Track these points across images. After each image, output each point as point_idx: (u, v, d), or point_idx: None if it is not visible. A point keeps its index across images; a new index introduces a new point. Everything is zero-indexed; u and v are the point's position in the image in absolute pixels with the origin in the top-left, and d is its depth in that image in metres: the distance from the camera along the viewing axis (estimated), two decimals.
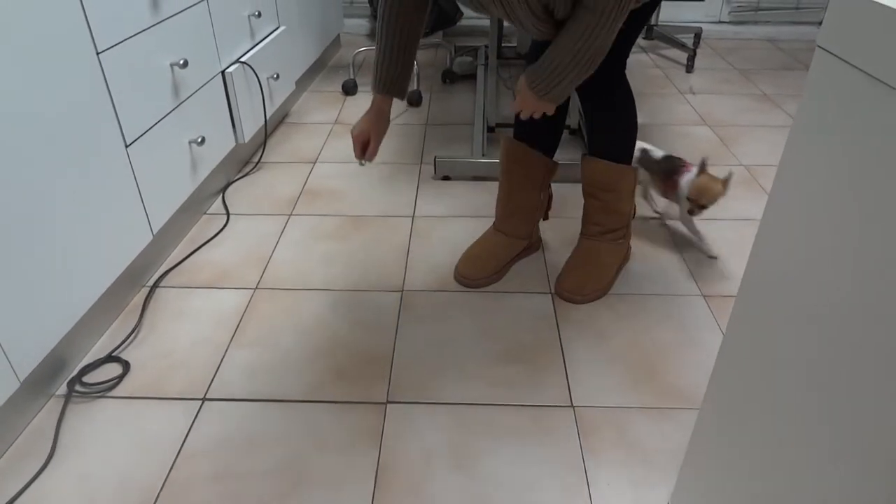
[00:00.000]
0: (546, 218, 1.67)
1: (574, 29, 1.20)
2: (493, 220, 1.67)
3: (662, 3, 3.46)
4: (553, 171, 1.58)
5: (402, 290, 1.59)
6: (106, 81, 1.33)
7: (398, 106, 2.68)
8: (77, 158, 1.26)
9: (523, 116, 1.32)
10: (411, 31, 1.34)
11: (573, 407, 1.27)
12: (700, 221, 1.83)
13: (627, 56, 1.42)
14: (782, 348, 0.71)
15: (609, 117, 1.48)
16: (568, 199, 1.95)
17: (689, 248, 1.75)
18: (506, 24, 3.25)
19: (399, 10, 1.31)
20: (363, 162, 1.45)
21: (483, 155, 2.15)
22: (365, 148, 1.43)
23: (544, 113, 1.31)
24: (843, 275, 0.60)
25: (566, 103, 1.49)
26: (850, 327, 0.59)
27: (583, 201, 1.59)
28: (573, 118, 2.28)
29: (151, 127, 1.51)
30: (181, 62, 1.59)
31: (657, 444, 1.19)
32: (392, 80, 1.37)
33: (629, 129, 1.50)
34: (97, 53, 1.30)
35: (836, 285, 0.61)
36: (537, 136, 1.54)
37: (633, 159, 1.54)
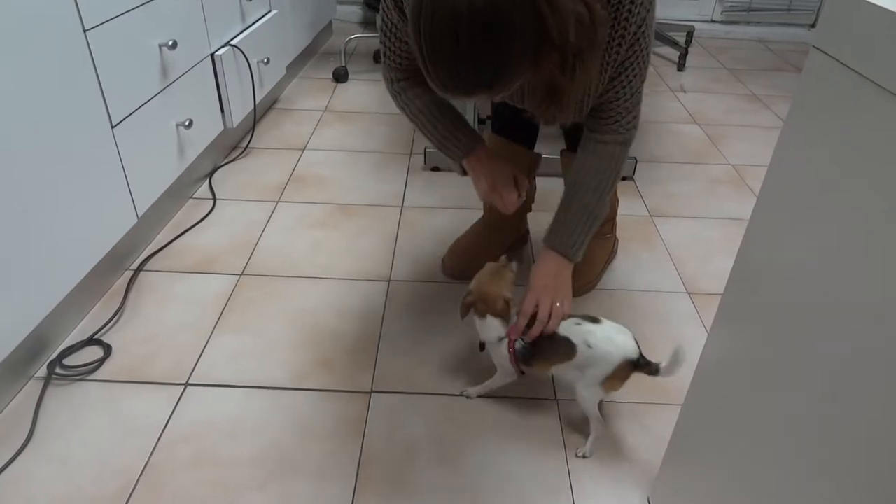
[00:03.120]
0: (529, 210, 1.67)
1: (598, 167, 1.18)
2: (482, 212, 1.67)
3: (656, 0, 3.45)
4: (536, 162, 1.58)
5: (389, 280, 1.58)
6: (93, 60, 1.31)
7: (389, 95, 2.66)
8: (62, 138, 1.24)
9: (546, 324, 1.13)
10: (442, 101, 1.25)
11: (557, 401, 1.28)
12: (693, 219, 1.84)
13: None
14: (766, 348, 0.72)
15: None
16: (556, 193, 1.95)
17: (678, 245, 1.76)
18: None
19: (422, 91, 1.22)
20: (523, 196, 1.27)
21: None
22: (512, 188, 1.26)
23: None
24: (830, 275, 0.60)
25: None
26: (837, 328, 0.60)
27: None
28: None
29: (138, 108, 1.49)
30: (170, 43, 1.57)
31: (639, 439, 1.20)
32: (468, 131, 1.25)
33: None
34: (84, 31, 1.27)
35: (823, 286, 0.62)
36: (517, 129, 1.53)
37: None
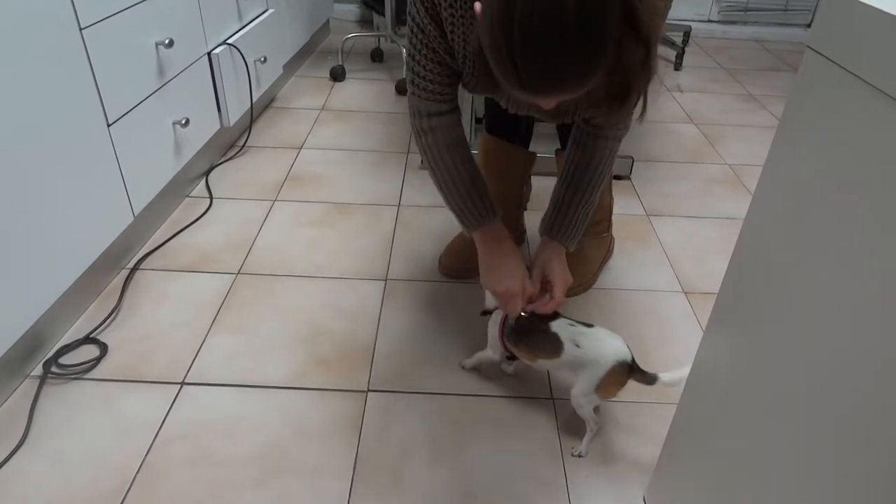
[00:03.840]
0: (525, 209, 1.67)
1: (597, 162, 1.19)
2: None
3: None
4: (532, 161, 1.58)
5: (386, 279, 1.58)
6: (89, 58, 1.30)
7: (386, 93, 2.66)
8: (58, 136, 1.24)
9: (560, 303, 1.17)
10: (467, 151, 1.21)
11: (553, 399, 1.28)
12: (689, 218, 1.85)
13: None
14: (762, 347, 0.72)
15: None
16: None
17: (674, 244, 1.76)
18: None
19: (450, 139, 1.19)
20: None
21: (470, 146, 2.14)
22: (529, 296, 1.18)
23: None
24: (825, 275, 0.61)
25: None
26: (832, 327, 0.60)
27: None
28: None
29: (135, 106, 1.48)
30: (167, 41, 1.56)
31: (635, 438, 1.21)
32: (486, 201, 1.21)
33: None
34: (80, 29, 1.27)
35: (818, 285, 0.62)
36: (511, 128, 1.53)
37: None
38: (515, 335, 1.18)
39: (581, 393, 1.12)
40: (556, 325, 1.14)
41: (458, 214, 1.23)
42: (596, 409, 1.16)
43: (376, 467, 1.13)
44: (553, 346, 1.12)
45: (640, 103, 0.96)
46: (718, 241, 1.78)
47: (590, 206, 1.24)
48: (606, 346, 1.10)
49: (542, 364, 1.17)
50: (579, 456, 1.16)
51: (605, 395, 1.12)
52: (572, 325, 1.14)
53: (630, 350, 1.11)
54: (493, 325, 1.22)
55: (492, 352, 1.26)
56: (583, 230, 1.25)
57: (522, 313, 1.18)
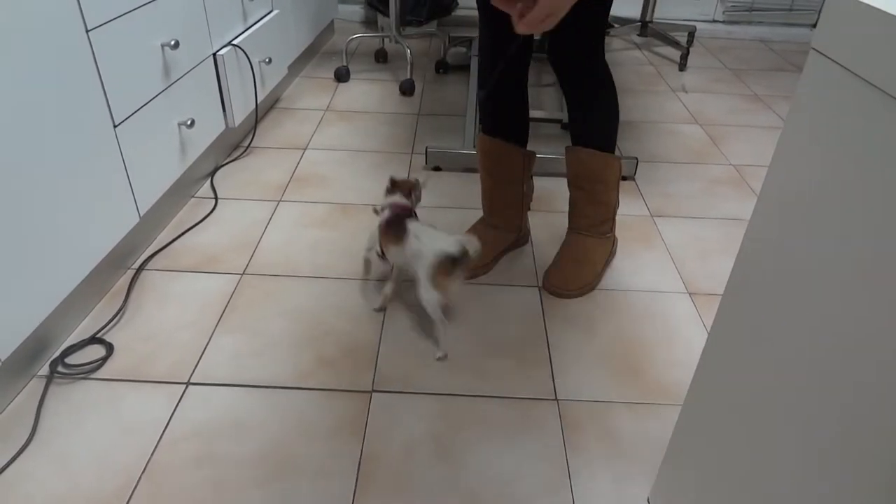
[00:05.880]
0: (528, 209, 1.67)
1: None
2: (482, 212, 1.67)
3: (658, 1, 3.45)
4: (531, 160, 1.58)
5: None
6: (95, 60, 1.31)
7: (391, 94, 2.67)
8: (64, 138, 1.24)
9: (534, 26, 1.14)
10: None
11: (557, 400, 1.28)
12: (690, 219, 1.85)
13: (603, 38, 1.38)
14: (767, 348, 0.72)
15: (591, 103, 1.47)
16: (556, 194, 1.95)
17: (678, 245, 1.76)
18: None
19: None
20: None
21: (475, 146, 2.14)
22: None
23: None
24: (830, 276, 0.61)
25: (526, 90, 1.48)
26: (835, 328, 0.60)
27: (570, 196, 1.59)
28: (563, 113, 2.28)
29: (140, 108, 1.49)
30: (172, 43, 1.57)
31: (639, 439, 1.21)
32: None
33: (611, 117, 1.49)
34: (87, 31, 1.28)
35: (823, 286, 0.62)
36: (507, 128, 1.53)
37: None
38: (386, 225, 1.39)
39: (424, 290, 1.31)
40: (412, 223, 1.36)
41: None
42: (447, 312, 1.37)
43: (381, 467, 1.13)
44: (402, 234, 1.34)
45: None
46: (723, 241, 1.78)
47: None
48: (438, 241, 1.29)
49: (396, 254, 1.37)
50: (443, 358, 1.34)
51: (441, 289, 1.30)
52: (426, 226, 1.36)
53: (464, 247, 1.28)
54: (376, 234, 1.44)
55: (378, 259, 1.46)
56: None
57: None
